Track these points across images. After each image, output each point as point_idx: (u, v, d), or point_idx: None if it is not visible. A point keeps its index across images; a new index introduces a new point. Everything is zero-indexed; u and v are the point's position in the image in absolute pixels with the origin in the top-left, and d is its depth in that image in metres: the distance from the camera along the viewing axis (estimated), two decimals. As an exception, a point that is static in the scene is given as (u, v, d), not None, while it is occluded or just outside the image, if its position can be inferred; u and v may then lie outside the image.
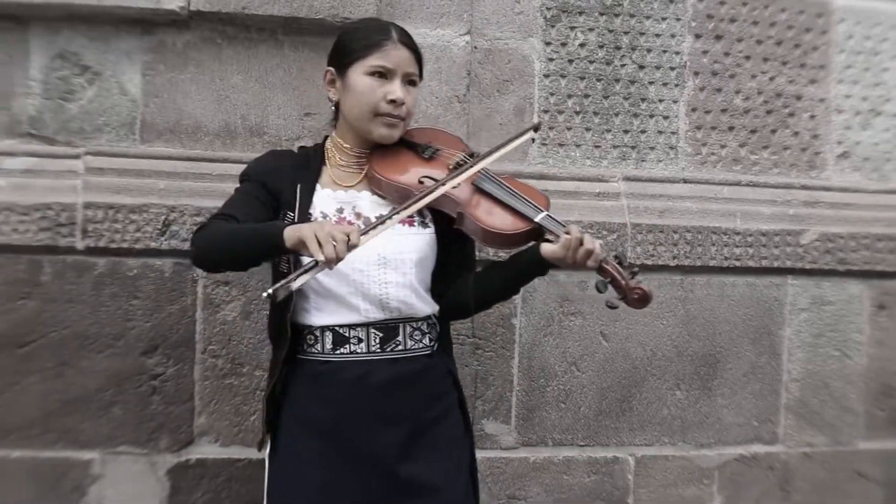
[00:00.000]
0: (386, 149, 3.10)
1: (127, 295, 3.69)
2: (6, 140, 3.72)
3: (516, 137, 3.21)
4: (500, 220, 2.98)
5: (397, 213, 2.84)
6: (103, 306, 3.68)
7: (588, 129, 4.15)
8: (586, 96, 4.16)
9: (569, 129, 4.14)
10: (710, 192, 4.28)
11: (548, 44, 4.11)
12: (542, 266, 3.02)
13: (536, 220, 2.95)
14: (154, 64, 3.79)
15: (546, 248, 2.93)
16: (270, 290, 2.53)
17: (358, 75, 3.00)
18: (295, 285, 2.59)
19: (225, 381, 3.78)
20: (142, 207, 3.65)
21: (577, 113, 4.15)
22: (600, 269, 2.90)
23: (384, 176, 3.02)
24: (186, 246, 3.62)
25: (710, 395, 4.24)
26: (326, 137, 3.23)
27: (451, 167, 3.08)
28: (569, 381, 4.10)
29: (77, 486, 3.71)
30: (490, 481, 3.99)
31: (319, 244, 2.51)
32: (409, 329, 3.03)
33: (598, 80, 4.18)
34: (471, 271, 3.22)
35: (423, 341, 3.07)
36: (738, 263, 4.22)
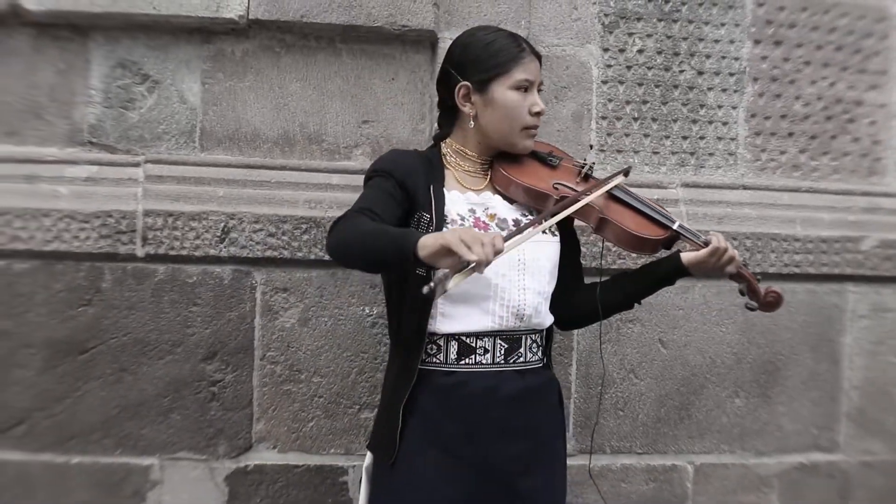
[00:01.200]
0: (511, 156, 3.10)
1: (186, 302, 3.72)
2: (67, 148, 3.76)
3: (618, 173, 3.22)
4: (641, 226, 3.06)
5: (542, 220, 2.85)
6: (163, 313, 3.71)
7: (646, 136, 4.14)
8: (644, 102, 4.15)
9: (627, 135, 4.12)
10: (769, 198, 4.25)
11: (606, 50, 4.10)
12: (676, 274, 3.07)
13: (674, 227, 3.05)
14: (213, 72, 3.82)
15: (688, 256, 3.00)
16: (427, 287, 2.38)
17: (503, 90, 2.96)
18: (449, 285, 2.44)
19: (283, 387, 3.79)
20: (201, 215, 3.67)
21: (636, 119, 4.14)
22: (738, 274, 3.01)
23: (521, 180, 3.02)
24: (245, 253, 3.68)
25: (770, 403, 4.21)
26: (436, 145, 3.17)
27: (580, 175, 3.12)
28: (627, 388, 4.08)
29: (136, 492, 3.74)
30: (547, 489, 3.99)
31: (468, 247, 2.38)
32: (529, 341, 3.01)
33: (657, 86, 4.16)
34: (582, 282, 3.25)
35: (538, 353, 3.06)
36: (797, 270, 4.19)
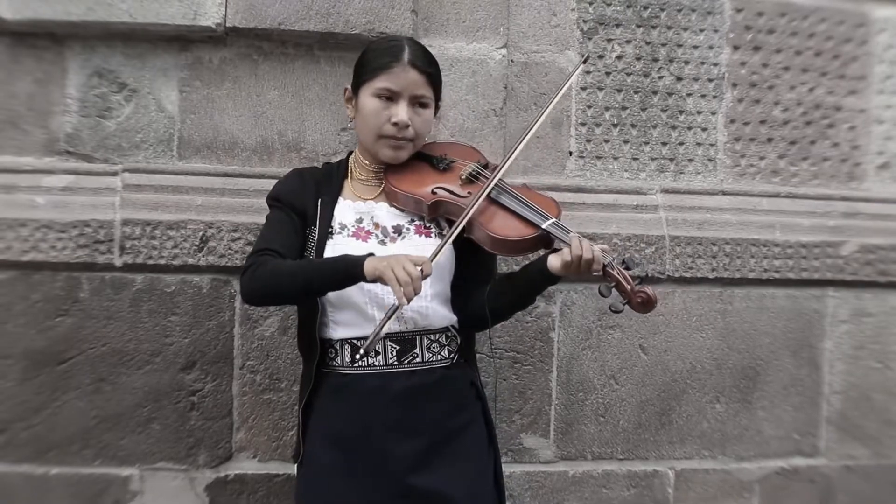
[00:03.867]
0: (403, 163, 3.14)
1: (165, 311, 3.71)
2: (44, 158, 3.75)
3: (521, 139, 3.22)
4: (507, 228, 3.00)
5: (452, 234, 2.91)
6: (141, 323, 3.69)
7: (626, 142, 4.14)
8: (624, 108, 4.15)
9: (606, 141, 4.13)
10: (749, 203, 4.25)
11: (585, 56, 4.09)
12: (547, 278, 3.00)
13: (543, 226, 2.95)
14: (191, 80, 3.81)
15: (551, 262, 2.92)
16: (366, 345, 2.72)
17: (366, 97, 3.04)
18: (382, 333, 2.75)
19: (263, 396, 3.79)
20: (179, 224, 3.66)
21: (615, 125, 4.14)
22: (605, 275, 2.89)
23: (399, 188, 3.07)
24: (224, 262, 3.67)
25: (750, 408, 4.21)
26: (351, 153, 3.26)
27: (462, 177, 3.12)
28: (608, 394, 4.08)
29: (116, 502, 3.73)
30: (529, 495, 3.98)
31: (399, 284, 2.60)
32: (426, 341, 3.05)
33: (636, 92, 4.16)
34: (482, 285, 3.17)
35: (442, 353, 3.07)
36: (777, 275, 4.19)
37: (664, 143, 4.19)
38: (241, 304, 3.74)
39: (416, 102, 3.05)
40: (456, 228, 2.91)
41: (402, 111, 3.01)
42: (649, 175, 4.19)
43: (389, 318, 2.71)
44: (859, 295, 4.35)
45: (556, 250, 2.96)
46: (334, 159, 3.77)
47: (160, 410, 3.72)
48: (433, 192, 3.05)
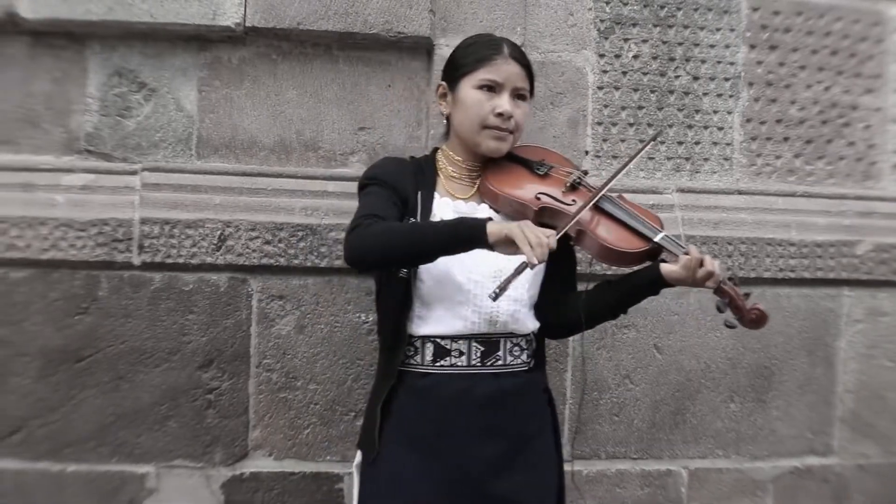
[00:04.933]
0: (499, 164, 3.12)
1: (183, 310, 3.72)
2: (64, 157, 3.76)
3: (637, 154, 3.29)
4: (620, 239, 3.00)
5: (566, 227, 2.91)
6: (159, 321, 3.71)
7: (642, 141, 4.13)
8: (640, 108, 4.15)
9: (622, 140, 4.13)
10: (764, 203, 4.26)
11: (601, 56, 4.10)
12: (657, 285, 3.01)
13: (656, 239, 2.97)
14: (210, 80, 3.82)
15: (666, 269, 2.94)
16: (496, 290, 2.56)
17: (468, 89, 3.01)
18: (509, 287, 2.60)
19: (279, 394, 3.80)
20: (197, 223, 3.67)
21: (631, 125, 4.14)
22: (719, 290, 2.93)
23: (501, 190, 3.03)
24: (242, 261, 3.69)
25: (765, 408, 4.22)
26: (436, 150, 3.23)
27: (567, 185, 3.10)
28: (622, 393, 4.09)
29: (132, 500, 3.74)
30: (543, 494, 4.00)
31: (530, 246, 2.54)
32: (509, 344, 3.03)
33: (652, 91, 4.16)
34: (573, 290, 3.23)
35: (522, 357, 3.07)
36: (793, 275, 4.19)
37: (680, 143, 4.19)
38: (258, 302, 3.76)
39: (516, 94, 3.04)
40: (569, 224, 2.91)
41: (505, 102, 3.00)
42: (665, 174, 4.20)
43: (517, 275, 2.61)
44: (874, 294, 4.36)
45: (662, 260, 2.99)
46: (352, 159, 3.80)
47: (177, 408, 3.73)
48: (537, 198, 3.03)
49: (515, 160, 3.16)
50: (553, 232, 2.65)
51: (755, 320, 2.94)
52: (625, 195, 3.23)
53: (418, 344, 2.99)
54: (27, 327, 3.64)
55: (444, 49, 3.67)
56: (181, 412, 3.74)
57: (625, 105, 4.14)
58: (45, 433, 3.67)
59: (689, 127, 4.20)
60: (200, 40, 3.79)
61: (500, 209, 3.07)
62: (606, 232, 3.01)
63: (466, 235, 2.69)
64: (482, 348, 2.98)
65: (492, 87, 3.00)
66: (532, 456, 3.04)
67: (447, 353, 2.97)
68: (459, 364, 2.97)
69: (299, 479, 3.81)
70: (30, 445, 3.67)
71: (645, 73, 4.17)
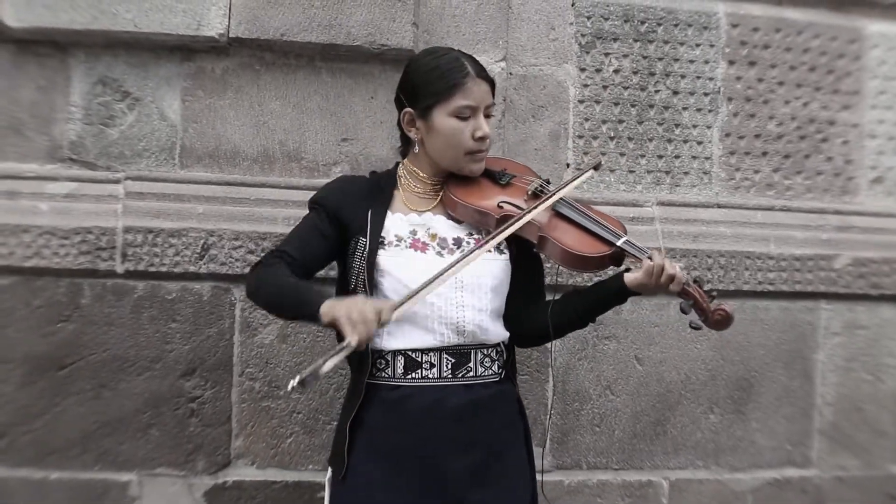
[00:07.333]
0: (462, 175, 3.13)
1: (165, 318, 3.73)
2: (47, 165, 3.76)
3: (585, 171, 3.26)
4: (582, 244, 3.01)
5: (485, 243, 2.93)
6: (142, 329, 3.72)
7: (622, 155, 4.17)
8: (620, 122, 4.18)
9: (603, 154, 4.16)
10: (743, 216, 4.29)
11: (582, 70, 4.14)
12: (623, 294, 3.03)
13: (618, 243, 2.98)
14: (193, 90, 3.84)
15: (629, 277, 2.96)
16: (298, 379, 2.49)
17: (443, 118, 2.98)
18: (325, 369, 2.56)
19: (262, 403, 3.81)
20: (181, 231, 3.69)
21: (612, 138, 4.17)
22: (683, 292, 2.94)
23: (464, 200, 3.05)
24: (225, 270, 3.70)
25: (744, 419, 4.24)
26: (398, 164, 3.23)
27: (529, 193, 3.12)
28: (603, 404, 4.10)
29: (115, 507, 3.74)
30: (524, 504, 4.00)
31: (352, 326, 2.58)
32: (480, 356, 3.04)
33: (633, 105, 4.20)
34: (541, 300, 3.23)
35: (493, 368, 3.08)
36: (771, 288, 4.22)
37: (660, 156, 4.23)
38: (241, 311, 3.77)
39: (486, 112, 3.05)
40: (490, 238, 2.93)
41: (484, 125, 3.00)
42: (645, 187, 4.23)
43: (335, 356, 2.58)
44: (852, 307, 4.39)
45: (626, 269, 3.02)
46: (334, 169, 3.81)
47: (160, 416, 3.74)
48: (499, 206, 3.05)
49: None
50: (392, 304, 2.72)
51: (720, 321, 2.96)
52: (591, 205, 3.27)
53: (389, 357, 2.98)
54: (10, 334, 3.64)
55: (427, 62, 3.72)
56: (164, 420, 3.74)
57: (605, 119, 4.18)
58: (28, 440, 3.67)
59: (669, 141, 4.24)
60: (184, 50, 3.81)
61: (463, 219, 3.09)
62: (567, 237, 3.02)
63: (308, 312, 2.75)
64: (453, 360, 2.99)
65: (468, 113, 2.99)
66: (505, 468, 3.04)
67: (418, 365, 2.97)
68: (431, 376, 2.97)
69: (281, 487, 3.81)
70: (13, 452, 3.67)
71: (625, 88, 4.20)
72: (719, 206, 4.29)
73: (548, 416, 4.01)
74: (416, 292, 2.79)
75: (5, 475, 3.66)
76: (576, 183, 3.17)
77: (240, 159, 3.87)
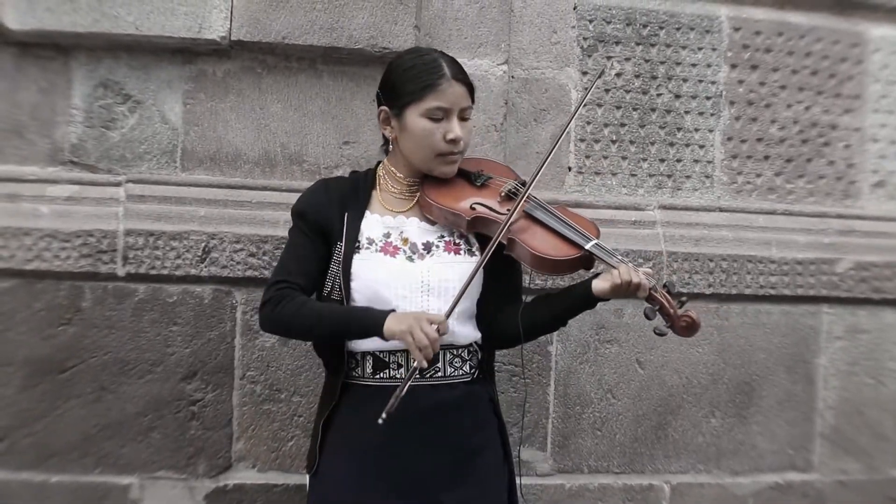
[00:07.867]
0: (437, 177, 3.13)
1: (166, 321, 3.72)
2: (48, 168, 3.76)
3: (550, 153, 3.23)
4: (550, 247, 3.00)
5: (479, 266, 2.94)
6: (143, 332, 3.71)
7: (624, 158, 4.17)
8: (622, 125, 4.18)
9: (605, 157, 4.16)
10: (745, 220, 4.29)
11: (584, 73, 4.13)
12: (591, 301, 3.02)
13: (586, 247, 2.96)
14: (194, 93, 3.83)
15: (596, 284, 2.94)
16: (385, 415, 2.70)
17: (415, 118, 2.98)
18: (402, 395, 2.71)
19: (263, 406, 3.80)
20: (182, 234, 3.68)
21: (614, 142, 4.17)
22: (650, 298, 2.91)
23: (437, 202, 3.04)
24: (226, 273, 3.70)
25: (746, 423, 4.24)
26: (378, 163, 3.24)
27: (502, 194, 3.11)
28: (604, 408, 4.10)
29: (116, 511, 3.73)
30: (525, 508, 4.00)
31: (419, 348, 2.70)
32: (448, 356, 3.05)
33: (635, 109, 4.20)
34: (517, 302, 3.21)
35: (464, 368, 3.09)
36: (773, 292, 4.22)
37: (662, 160, 4.23)
38: (242, 314, 3.76)
39: (462, 115, 3.03)
40: (487, 253, 2.93)
41: (455, 127, 2.99)
42: (647, 191, 4.23)
43: (410, 378, 2.74)
44: (854, 312, 4.38)
45: (597, 273, 3.01)
46: (336, 172, 3.80)
47: (161, 420, 3.73)
48: (472, 208, 3.05)
49: (457, 172, 3.18)
50: (442, 317, 2.79)
51: (686, 327, 2.92)
52: (565, 207, 3.29)
53: (359, 357, 3.03)
54: (11, 337, 3.63)
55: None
56: (165, 423, 3.73)
57: (607, 122, 4.17)
58: (29, 443, 3.66)
59: (671, 144, 4.24)
60: (186, 53, 3.80)
61: (437, 220, 3.09)
62: (536, 240, 3.02)
63: (366, 329, 2.87)
64: None
65: (440, 114, 2.99)
66: (479, 468, 3.05)
67: (386, 365, 3.00)
68: (398, 376, 2.98)
69: (282, 490, 3.80)
70: (13, 455, 3.66)
71: (627, 91, 4.20)
72: (721, 210, 4.29)
73: (549, 420, 4.01)
74: (459, 296, 2.86)
75: (6, 478, 3.65)
76: (539, 173, 3.13)
77: (241, 162, 3.86)
